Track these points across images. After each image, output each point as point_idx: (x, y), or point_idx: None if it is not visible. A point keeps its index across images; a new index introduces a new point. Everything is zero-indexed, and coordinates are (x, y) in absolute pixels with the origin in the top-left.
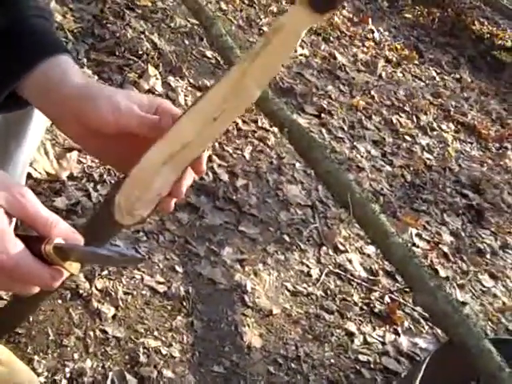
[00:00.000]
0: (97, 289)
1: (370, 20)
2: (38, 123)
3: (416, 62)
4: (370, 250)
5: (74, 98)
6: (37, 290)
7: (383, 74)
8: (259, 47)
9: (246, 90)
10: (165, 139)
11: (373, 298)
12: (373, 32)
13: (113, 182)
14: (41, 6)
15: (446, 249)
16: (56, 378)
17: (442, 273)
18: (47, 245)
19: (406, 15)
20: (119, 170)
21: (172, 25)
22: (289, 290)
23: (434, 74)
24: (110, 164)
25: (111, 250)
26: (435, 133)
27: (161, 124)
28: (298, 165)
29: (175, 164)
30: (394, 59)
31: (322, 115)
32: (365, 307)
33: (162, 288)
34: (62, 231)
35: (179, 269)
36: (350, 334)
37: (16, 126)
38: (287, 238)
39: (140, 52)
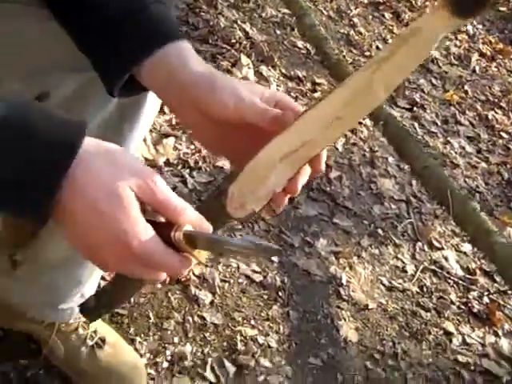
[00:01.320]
0: (194, 275)
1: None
2: (151, 108)
3: (511, 56)
4: (467, 247)
5: (196, 86)
6: (164, 277)
7: (477, 69)
8: (390, 50)
9: (373, 93)
10: (285, 135)
11: (471, 297)
12: (466, 25)
13: (208, 169)
14: None
15: None
16: (158, 360)
17: None
18: (177, 231)
19: (501, 8)
20: (232, 162)
21: (263, 15)
22: (384, 285)
23: None
24: (222, 154)
25: (245, 239)
26: None
27: (282, 118)
28: (390, 159)
29: (293, 161)
30: (488, 53)
31: (415, 109)
32: (462, 306)
33: (257, 277)
34: (191, 218)
35: (274, 259)
36: (448, 334)
37: (130, 110)
38: (381, 232)
39: (233, 41)
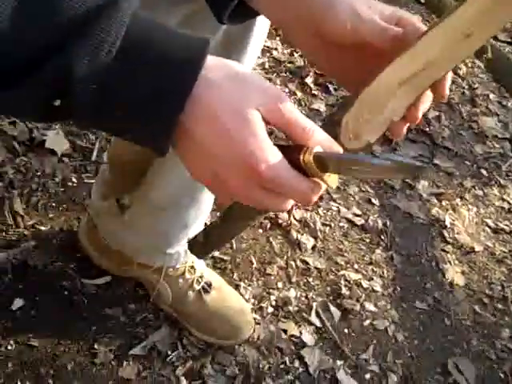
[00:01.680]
0: (295, 219)
1: None
2: (258, 38)
3: None
4: None
5: (312, 4)
6: (290, 205)
7: None
8: None
9: (508, 4)
10: (406, 56)
11: None
12: None
13: (304, 112)
14: None
15: None
16: (262, 305)
17: None
18: (306, 154)
19: None
20: (346, 84)
21: None
22: (490, 227)
23: None
24: (337, 77)
25: (383, 157)
26: None
27: (404, 37)
28: (492, 96)
29: (415, 85)
30: None
31: None
32: None
33: (359, 220)
34: (321, 140)
35: (375, 201)
36: None
37: (237, 39)
38: (485, 173)
39: None
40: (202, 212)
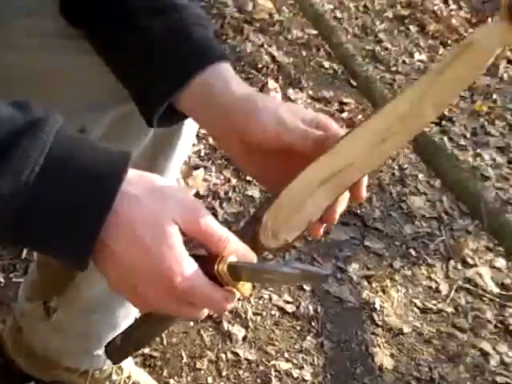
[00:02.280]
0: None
1: (489, 19)
2: (186, 140)
3: None
4: (501, 263)
5: (236, 109)
6: (205, 314)
7: (505, 76)
8: (442, 65)
9: (421, 112)
10: (325, 158)
11: (507, 314)
12: None
13: (238, 199)
14: (200, 14)
15: None
16: None
17: None
18: (221, 263)
19: None
20: (270, 187)
21: (289, 37)
22: (418, 307)
23: None
24: (261, 180)
25: (291, 266)
26: None
27: (324, 141)
28: (420, 176)
29: (332, 187)
30: None
31: (443, 122)
32: (499, 325)
33: (290, 308)
34: (236, 248)
35: (307, 287)
36: (486, 355)
37: (165, 142)
38: (413, 253)
39: (260, 65)
40: (131, 312)
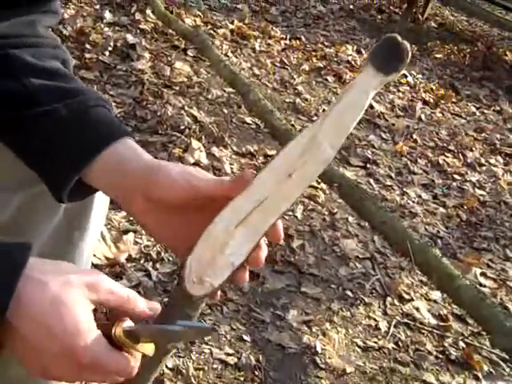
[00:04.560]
0: (168, 368)
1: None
2: (99, 211)
3: (454, 99)
4: (436, 295)
5: (146, 170)
6: (120, 379)
7: (422, 117)
8: (331, 106)
9: (319, 149)
10: (240, 197)
11: (446, 344)
12: (406, 76)
13: (171, 259)
14: (102, 98)
15: None
16: None
17: None
18: (117, 328)
19: (437, 55)
20: (176, 250)
21: (209, 96)
22: (359, 347)
23: (474, 109)
24: (168, 244)
25: (180, 324)
26: (484, 168)
27: (236, 184)
28: (350, 218)
29: (250, 228)
30: (432, 100)
31: (368, 165)
32: (440, 355)
33: (232, 359)
34: (140, 305)
35: (247, 338)
36: None
37: (78, 217)
38: (350, 294)
39: (182, 127)
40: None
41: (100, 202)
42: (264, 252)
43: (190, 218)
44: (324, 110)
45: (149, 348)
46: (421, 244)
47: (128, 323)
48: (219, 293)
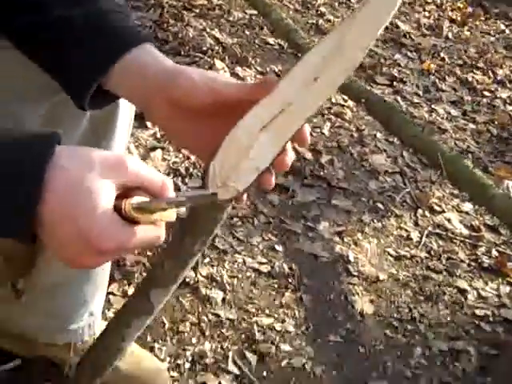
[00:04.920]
0: (202, 276)
1: None
2: (124, 123)
3: (482, 18)
4: (468, 207)
5: (167, 74)
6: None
7: (450, 35)
8: (358, 7)
9: (346, 51)
10: (263, 102)
11: (479, 253)
12: None
13: (200, 174)
14: (118, 3)
15: None
16: (179, 362)
17: None
18: (125, 208)
19: None
20: (201, 155)
21: (230, 19)
22: (392, 256)
23: (503, 26)
24: (193, 151)
25: (185, 194)
26: None
27: (259, 88)
28: (379, 135)
29: (275, 132)
30: (459, 19)
31: (395, 83)
32: (473, 263)
33: (265, 268)
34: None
35: (279, 248)
36: (463, 291)
37: (104, 126)
38: (381, 206)
39: (204, 48)
40: (98, 285)
41: (125, 113)
42: (290, 156)
43: (214, 124)
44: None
45: (169, 214)
46: (452, 155)
47: (135, 198)
48: (245, 197)
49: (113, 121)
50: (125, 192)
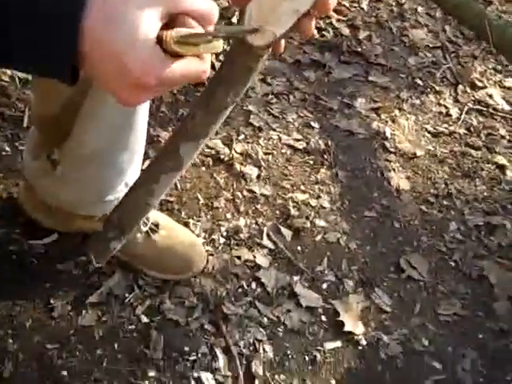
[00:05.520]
0: (237, 152)
1: None
2: None
3: None
4: (511, 82)
5: None
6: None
7: None
8: None
9: None
10: None
11: None
12: None
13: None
14: None
15: None
16: (214, 237)
17: None
18: (166, 41)
19: None
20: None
21: None
22: (429, 132)
23: None
24: None
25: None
26: None
27: None
28: (420, 9)
29: None
30: None
31: None
32: None
33: (300, 144)
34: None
35: (315, 124)
36: (501, 167)
37: None
38: (420, 82)
39: None
40: (134, 155)
41: None
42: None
43: None
44: None
45: (216, 45)
46: (499, 24)
47: (178, 30)
48: (283, 43)
49: None
50: (171, 20)
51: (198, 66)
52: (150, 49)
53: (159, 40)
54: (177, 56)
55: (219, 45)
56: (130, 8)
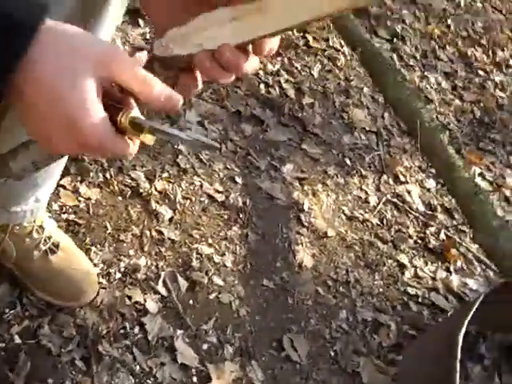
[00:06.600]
0: (156, 190)
1: None
2: (115, 8)
3: None
4: (431, 184)
5: None
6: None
7: (462, 3)
8: None
9: None
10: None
11: (428, 232)
12: None
13: None
14: None
15: (508, 193)
16: (111, 270)
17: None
18: (123, 116)
19: None
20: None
21: None
22: (345, 215)
23: None
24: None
25: (190, 135)
26: (510, 70)
27: None
28: (366, 89)
29: (241, 28)
30: None
31: (395, 40)
32: (419, 241)
33: (219, 197)
34: (160, 90)
35: (239, 180)
36: (402, 266)
37: (93, 5)
38: (349, 162)
39: None
40: (52, 172)
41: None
42: (251, 62)
43: (190, 9)
44: None
45: (150, 139)
46: (431, 127)
47: (135, 112)
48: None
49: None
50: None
51: (131, 147)
52: (102, 116)
53: (111, 114)
54: (120, 132)
55: (152, 141)
56: (80, 73)
